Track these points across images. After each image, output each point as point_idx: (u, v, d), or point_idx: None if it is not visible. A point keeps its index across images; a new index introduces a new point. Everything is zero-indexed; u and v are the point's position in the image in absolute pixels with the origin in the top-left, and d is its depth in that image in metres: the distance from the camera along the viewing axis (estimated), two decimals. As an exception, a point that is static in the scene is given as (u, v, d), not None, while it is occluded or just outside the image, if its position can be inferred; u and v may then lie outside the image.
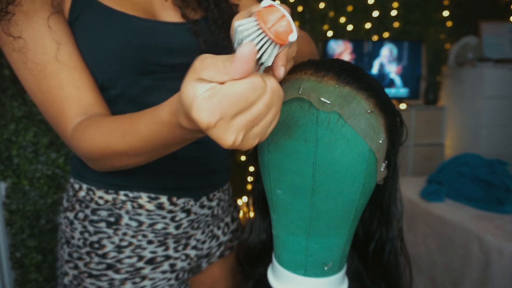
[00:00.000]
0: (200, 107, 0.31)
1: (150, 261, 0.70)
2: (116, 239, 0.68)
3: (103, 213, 0.68)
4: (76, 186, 0.71)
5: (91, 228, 0.68)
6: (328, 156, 0.44)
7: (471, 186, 1.58)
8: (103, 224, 0.68)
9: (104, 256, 0.68)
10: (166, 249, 0.72)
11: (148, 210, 0.69)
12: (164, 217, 0.70)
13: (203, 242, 0.77)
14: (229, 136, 0.32)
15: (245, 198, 2.09)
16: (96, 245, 0.68)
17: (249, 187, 2.21)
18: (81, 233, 0.69)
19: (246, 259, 0.61)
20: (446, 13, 2.81)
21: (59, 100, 0.58)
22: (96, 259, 0.68)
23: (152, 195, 0.69)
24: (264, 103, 0.32)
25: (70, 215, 0.70)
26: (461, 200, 1.56)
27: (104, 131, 0.52)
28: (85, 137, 0.54)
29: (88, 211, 0.68)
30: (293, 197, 0.47)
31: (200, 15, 0.70)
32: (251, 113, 0.32)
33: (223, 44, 0.72)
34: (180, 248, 0.73)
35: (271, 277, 0.54)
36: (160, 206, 0.70)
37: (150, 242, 0.70)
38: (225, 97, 0.31)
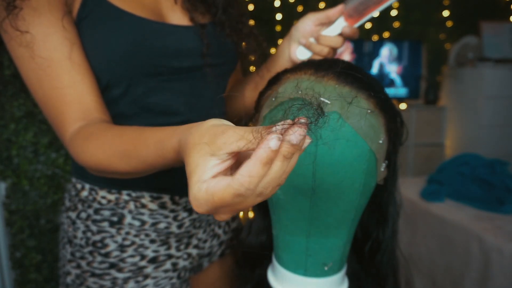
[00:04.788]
0: (195, 195, 0.31)
1: (153, 260, 0.70)
2: (119, 238, 0.68)
3: (106, 213, 0.68)
4: (79, 186, 0.71)
5: (94, 228, 0.68)
6: (328, 156, 0.44)
7: (471, 186, 1.57)
8: (106, 224, 0.68)
9: (107, 255, 0.68)
10: (168, 248, 0.72)
11: (150, 210, 0.69)
12: (166, 216, 0.70)
13: (205, 241, 0.78)
14: (203, 210, 0.32)
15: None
16: (99, 244, 0.68)
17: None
18: (84, 232, 0.69)
19: (245, 260, 0.61)
20: (446, 13, 2.81)
21: (60, 101, 0.57)
22: (99, 258, 0.68)
23: (155, 195, 0.69)
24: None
25: (73, 214, 0.70)
26: (461, 200, 1.56)
27: (105, 148, 0.51)
28: (84, 149, 0.54)
29: (91, 211, 0.69)
30: (293, 197, 0.47)
31: (208, 19, 0.71)
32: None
33: (230, 48, 0.72)
34: (182, 247, 0.74)
35: (271, 277, 0.54)
36: (162, 206, 0.70)
37: (152, 241, 0.70)
38: (219, 198, 0.31)
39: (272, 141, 0.28)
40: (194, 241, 0.75)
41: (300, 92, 0.45)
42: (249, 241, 0.60)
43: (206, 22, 0.70)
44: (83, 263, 0.69)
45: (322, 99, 0.44)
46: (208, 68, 0.70)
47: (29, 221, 1.77)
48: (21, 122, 1.73)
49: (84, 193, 0.70)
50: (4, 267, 1.76)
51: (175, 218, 0.71)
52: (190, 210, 0.73)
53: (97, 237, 0.68)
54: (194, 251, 0.76)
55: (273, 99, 0.47)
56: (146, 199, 0.69)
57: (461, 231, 1.39)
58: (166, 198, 0.70)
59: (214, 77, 0.72)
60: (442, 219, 1.48)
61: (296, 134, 0.29)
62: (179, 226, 0.72)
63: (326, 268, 0.50)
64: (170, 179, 0.70)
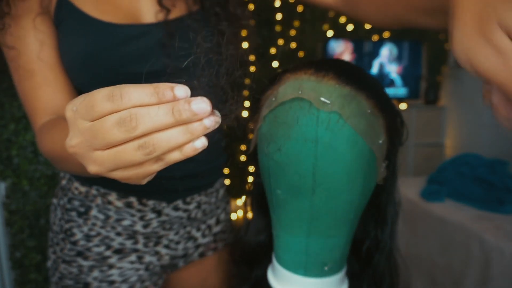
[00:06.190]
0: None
1: (118, 251, 0.71)
2: (85, 229, 0.70)
3: (76, 203, 0.71)
4: (62, 174, 0.74)
5: (66, 216, 0.71)
6: (328, 156, 0.44)
7: (471, 186, 1.57)
8: (74, 213, 0.70)
9: (75, 243, 0.70)
10: (135, 243, 0.72)
11: (116, 207, 0.70)
12: (132, 215, 0.71)
13: (177, 243, 0.76)
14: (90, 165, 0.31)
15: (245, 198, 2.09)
16: (69, 233, 0.71)
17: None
18: (59, 219, 0.72)
19: (242, 259, 0.61)
20: (446, 13, 2.81)
21: (33, 98, 0.60)
22: (69, 246, 0.70)
23: (122, 194, 0.70)
24: (117, 117, 0.28)
25: (55, 201, 0.74)
26: (462, 200, 1.56)
27: (63, 136, 0.52)
28: (43, 139, 0.56)
29: (65, 199, 0.72)
30: (293, 197, 0.47)
31: (184, 11, 0.65)
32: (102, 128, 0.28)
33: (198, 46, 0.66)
34: (150, 244, 0.74)
35: (271, 277, 0.54)
36: (129, 205, 0.70)
37: (118, 234, 0.71)
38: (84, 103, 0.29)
39: (180, 90, 0.27)
40: (164, 241, 0.75)
41: (300, 92, 0.45)
42: (247, 240, 0.60)
43: (180, 14, 0.64)
44: (57, 249, 0.72)
45: (322, 99, 0.44)
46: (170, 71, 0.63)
47: (29, 221, 1.77)
48: (21, 122, 1.73)
49: (64, 182, 0.73)
50: (4, 267, 1.75)
51: (141, 218, 0.71)
52: (159, 212, 0.72)
53: (67, 226, 0.71)
54: (163, 250, 0.75)
55: (273, 99, 0.47)
56: (112, 196, 0.70)
57: (461, 231, 1.39)
58: (133, 199, 0.70)
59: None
60: (442, 219, 1.48)
61: (212, 118, 0.28)
62: (145, 226, 0.72)
63: (326, 268, 0.50)
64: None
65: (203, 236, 0.79)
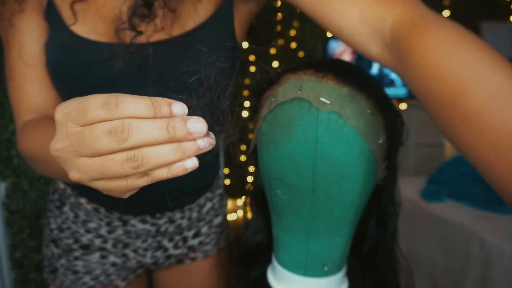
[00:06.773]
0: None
1: (85, 247, 0.74)
2: (59, 221, 0.74)
3: (56, 196, 0.75)
4: None
5: (48, 205, 0.77)
6: (328, 156, 0.44)
7: (471, 186, 1.57)
8: (53, 205, 0.75)
9: (51, 231, 0.75)
10: (105, 242, 0.73)
11: (86, 209, 0.72)
12: (100, 219, 0.73)
13: (145, 250, 0.75)
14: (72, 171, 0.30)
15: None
16: (49, 220, 0.76)
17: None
18: (48, 206, 0.78)
19: (240, 259, 0.61)
20: (446, 13, 2.81)
21: (19, 95, 0.61)
22: (48, 232, 0.76)
23: (91, 200, 0.72)
24: (106, 127, 0.27)
25: (50, 188, 0.79)
26: (462, 200, 1.56)
27: (43, 135, 0.51)
28: (22, 138, 0.56)
29: (52, 190, 0.77)
30: (293, 197, 0.47)
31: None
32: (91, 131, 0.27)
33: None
34: (119, 245, 0.74)
35: (271, 277, 0.54)
36: (97, 210, 0.72)
37: (88, 231, 0.73)
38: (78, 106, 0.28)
39: (177, 107, 0.27)
40: (132, 247, 0.75)
41: (300, 92, 0.45)
42: (246, 240, 0.60)
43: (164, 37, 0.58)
44: (44, 230, 0.78)
45: (322, 99, 0.44)
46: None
47: (29, 221, 1.77)
48: (21, 122, 1.73)
49: None
50: (4, 267, 1.75)
51: (108, 224, 0.73)
52: (125, 222, 0.72)
53: (48, 214, 0.77)
54: (131, 254, 0.75)
55: (273, 99, 0.47)
56: (83, 199, 0.72)
57: (461, 231, 1.39)
58: (100, 207, 0.72)
59: None
60: (442, 219, 1.48)
61: (206, 139, 0.28)
62: (110, 232, 0.73)
63: (326, 268, 0.50)
64: (103, 195, 0.66)
65: (175, 247, 0.76)
